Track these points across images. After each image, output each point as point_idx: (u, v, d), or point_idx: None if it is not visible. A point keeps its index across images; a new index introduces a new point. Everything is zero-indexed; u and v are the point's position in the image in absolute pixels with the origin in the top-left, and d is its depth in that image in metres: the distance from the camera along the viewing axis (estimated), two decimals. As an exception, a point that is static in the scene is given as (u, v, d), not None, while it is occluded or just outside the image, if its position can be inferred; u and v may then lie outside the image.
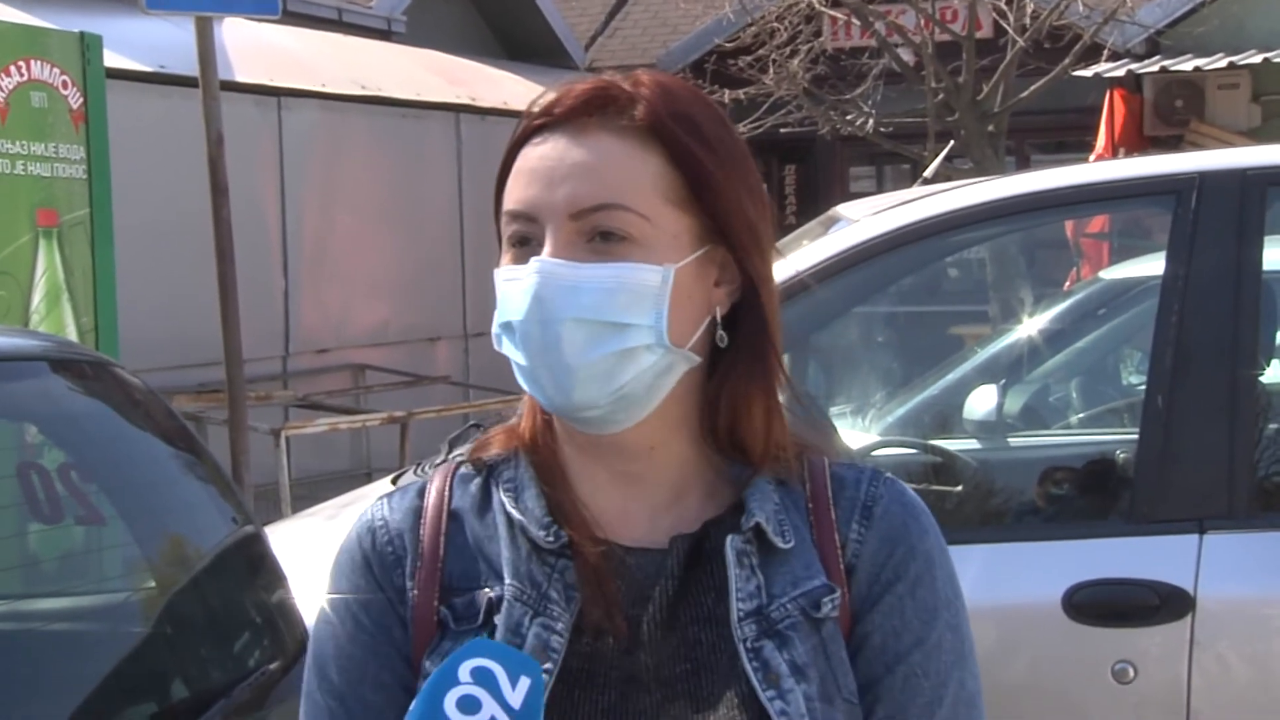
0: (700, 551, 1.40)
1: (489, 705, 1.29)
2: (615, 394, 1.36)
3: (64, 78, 7.14)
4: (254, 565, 2.77)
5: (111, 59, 7.81)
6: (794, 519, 1.41)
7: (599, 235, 1.35)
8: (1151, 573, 3.06)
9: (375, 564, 1.43)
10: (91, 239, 7.24)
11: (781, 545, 1.39)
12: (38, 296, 7.02)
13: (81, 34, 7.29)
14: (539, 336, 1.35)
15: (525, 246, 1.38)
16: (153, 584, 2.69)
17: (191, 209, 7.15)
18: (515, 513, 1.41)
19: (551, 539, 1.38)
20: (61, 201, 7.12)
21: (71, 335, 6.92)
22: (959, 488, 3.71)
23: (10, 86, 6.91)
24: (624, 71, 1.44)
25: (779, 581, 1.38)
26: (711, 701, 1.35)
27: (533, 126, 1.40)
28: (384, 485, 3.66)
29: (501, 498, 1.42)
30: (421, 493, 1.46)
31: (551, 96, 1.40)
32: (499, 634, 1.36)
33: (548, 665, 1.34)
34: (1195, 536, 3.07)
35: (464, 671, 1.29)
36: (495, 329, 1.40)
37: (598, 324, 1.34)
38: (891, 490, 1.44)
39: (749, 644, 1.35)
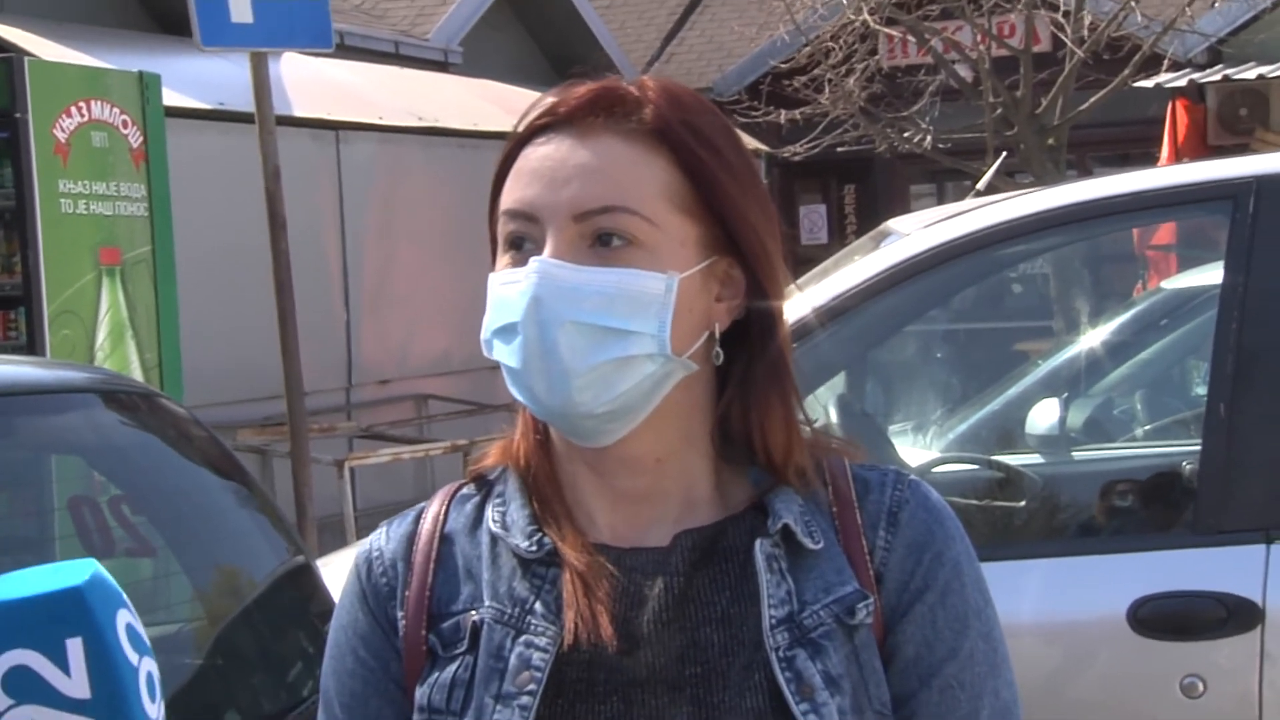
0: (714, 549, 1.36)
1: None
2: (611, 402, 1.32)
3: (124, 117, 7.23)
4: (305, 595, 2.77)
5: (170, 97, 7.89)
6: (819, 521, 1.37)
7: (602, 239, 1.32)
8: (1218, 584, 3.00)
9: (370, 596, 1.41)
10: (154, 276, 7.32)
11: (811, 546, 1.35)
12: (102, 334, 7.09)
13: (140, 73, 7.39)
14: (536, 339, 1.31)
15: (521, 250, 1.34)
16: (204, 615, 2.69)
17: (253, 244, 7.22)
18: (496, 527, 1.38)
19: (534, 548, 1.35)
20: (124, 239, 7.20)
21: (136, 372, 7.00)
22: (1022, 503, 3.66)
23: (71, 127, 7.00)
24: None
25: (810, 587, 1.34)
26: (724, 710, 1.30)
27: (535, 126, 1.36)
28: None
29: (489, 513, 1.40)
30: (419, 517, 1.43)
31: (555, 96, 1.37)
32: (480, 660, 1.33)
33: (530, 686, 1.31)
34: (1262, 546, 3.01)
35: None
36: (486, 334, 1.36)
37: (598, 329, 1.31)
38: (917, 494, 1.39)
39: (781, 653, 1.31)
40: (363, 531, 8.01)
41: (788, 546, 1.35)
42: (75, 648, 1.07)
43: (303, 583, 2.78)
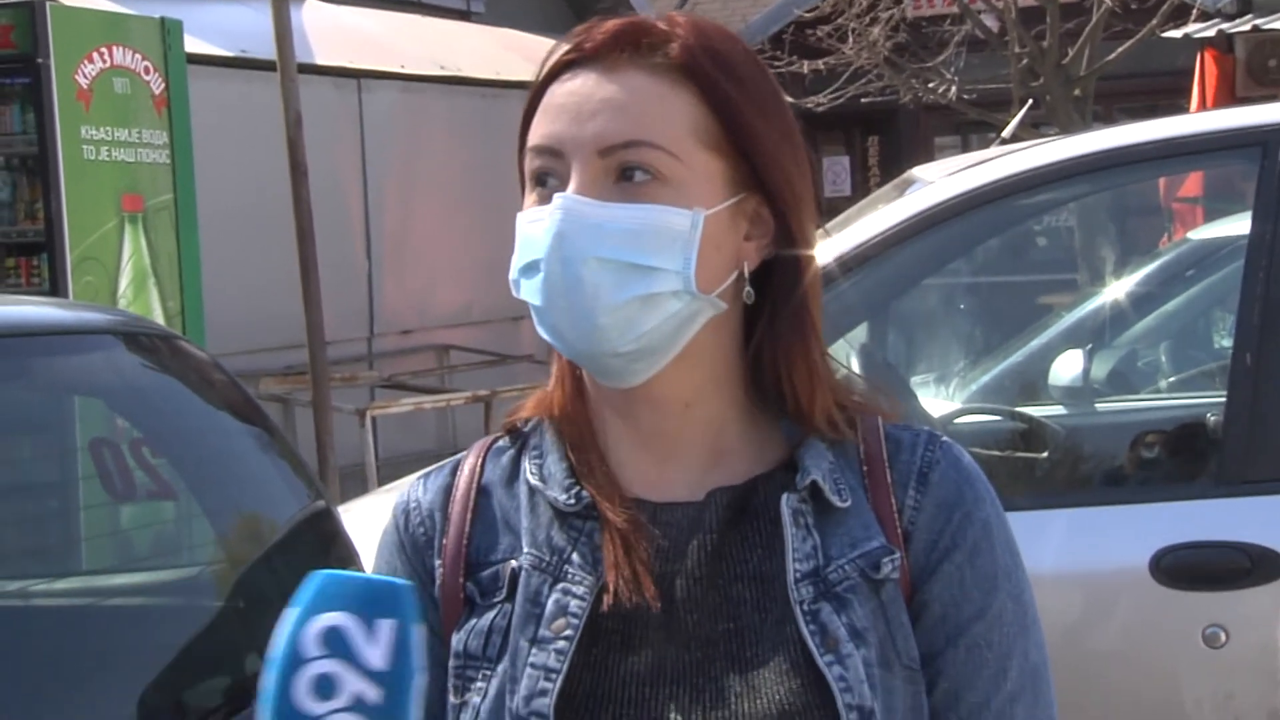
0: (746, 506, 1.36)
1: (348, 681, 1.21)
2: (636, 341, 1.31)
3: (146, 64, 7.22)
4: (325, 540, 2.77)
5: (192, 44, 7.87)
6: (849, 479, 1.36)
7: (626, 174, 1.30)
8: (1242, 535, 2.99)
9: (409, 546, 1.41)
10: (176, 223, 7.33)
11: (839, 504, 1.34)
12: (124, 281, 7.11)
13: (162, 20, 7.37)
14: (560, 276, 1.29)
15: (546, 187, 1.33)
16: (225, 558, 2.70)
17: (275, 192, 7.22)
18: (534, 479, 1.38)
19: (572, 501, 1.35)
20: (146, 186, 7.20)
21: (158, 320, 7.00)
22: (1045, 454, 3.64)
23: (93, 73, 6.99)
24: None
25: (836, 542, 1.33)
26: (756, 664, 1.30)
27: (562, 62, 1.35)
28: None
29: (526, 465, 1.39)
30: (455, 469, 1.43)
31: (581, 33, 1.35)
32: (518, 605, 1.33)
33: (567, 631, 1.30)
34: (1287, 497, 2.99)
35: (310, 643, 1.21)
36: (513, 274, 1.34)
37: (622, 265, 1.29)
38: (948, 455, 1.38)
39: (806, 606, 1.30)
40: (385, 481, 8.03)
41: (815, 503, 1.34)
42: (387, 627, 1.21)
43: (323, 527, 2.78)
